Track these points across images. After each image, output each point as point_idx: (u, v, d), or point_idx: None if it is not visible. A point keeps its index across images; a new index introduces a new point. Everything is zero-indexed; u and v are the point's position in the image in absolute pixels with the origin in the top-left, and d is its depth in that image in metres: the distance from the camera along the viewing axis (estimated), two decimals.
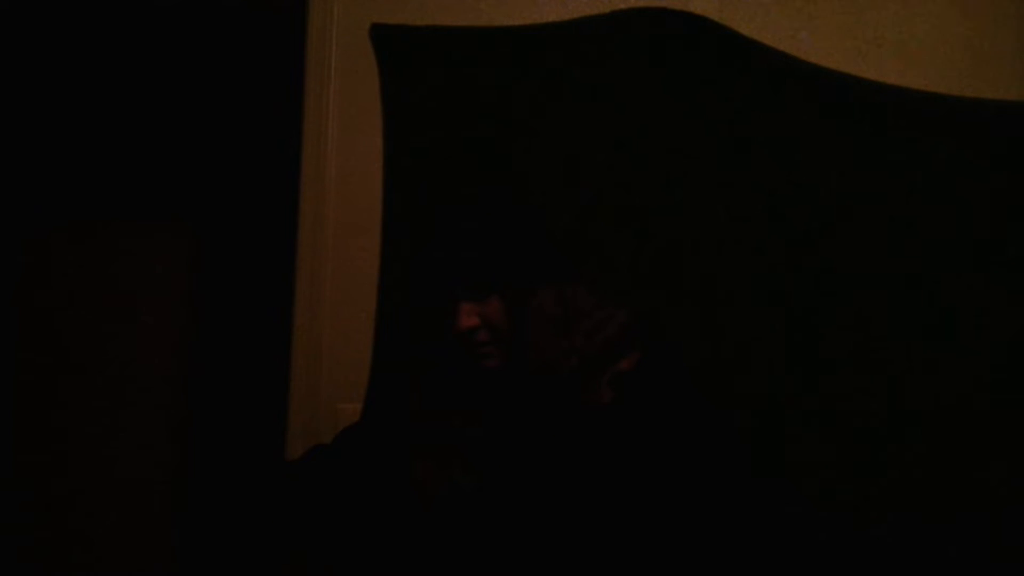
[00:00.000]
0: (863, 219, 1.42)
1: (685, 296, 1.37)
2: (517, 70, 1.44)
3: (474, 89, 1.42)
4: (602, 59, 1.44)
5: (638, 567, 0.97)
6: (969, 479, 1.36)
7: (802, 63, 1.47)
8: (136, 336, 2.72)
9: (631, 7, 1.51)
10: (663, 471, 1.01)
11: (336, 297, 1.59)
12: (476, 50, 1.44)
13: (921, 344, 1.40)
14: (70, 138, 2.69)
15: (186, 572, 2.67)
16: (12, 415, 2.67)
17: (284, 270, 1.66)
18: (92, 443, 2.68)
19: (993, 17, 1.66)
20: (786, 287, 1.40)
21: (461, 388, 1.13)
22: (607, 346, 1.10)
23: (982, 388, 1.38)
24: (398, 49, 1.44)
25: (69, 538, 2.66)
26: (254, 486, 2.30)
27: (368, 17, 1.49)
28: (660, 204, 1.39)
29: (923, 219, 1.43)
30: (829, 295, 1.40)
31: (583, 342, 1.09)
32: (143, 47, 2.58)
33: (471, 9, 1.62)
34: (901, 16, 1.66)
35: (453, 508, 1.03)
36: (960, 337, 1.40)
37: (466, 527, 1.02)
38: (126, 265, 2.73)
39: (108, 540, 2.66)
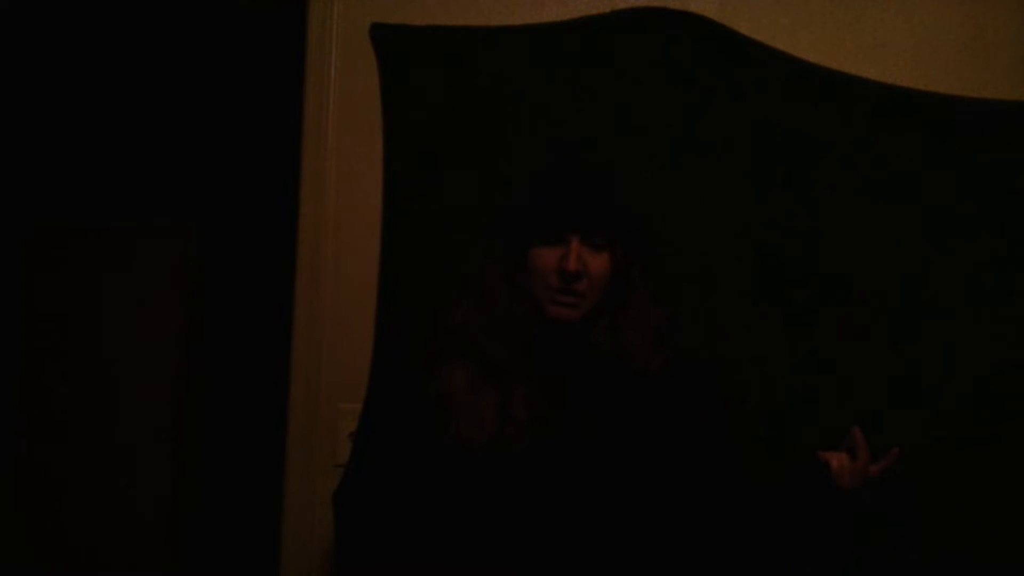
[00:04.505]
0: (863, 216, 1.42)
1: (685, 294, 1.37)
2: (517, 69, 1.44)
3: (474, 88, 1.43)
4: (602, 58, 1.44)
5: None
6: (979, 480, 1.37)
7: (802, 63, 1.47)
8: (137, 336, 2.72)
9: (631, 7, 1.51)
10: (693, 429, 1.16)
11: (336, 297, 1.59)
12: (476, 49, 1.44)
13: (922, 341, 1.40)
14: (71, 138, 2.69)
15: (187, 572, 2.67)
16: (13, 415, 2.67)
17: (284, 270, 1.66)
18: (92, 443, 2.68)
19: (993, 17, 1.66)
20: (785, 284, 1.40)
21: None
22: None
23: (984, 385, 1.39)
24: (398, 49, 1.44)
25: (69, 538, 2.66)
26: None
27: (368, 17, 1.49)
28: (658, 202, 1.39)
29: (922, 216, 1.43)
30: (828, 293, 1.40)
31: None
32: (143, 47, 2.58)
33: (471, 9, 1.62)
34: (901, 16, 1.66)
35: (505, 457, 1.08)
36: (961, 335, 1.40)
37: (518, 475, 1.08)
38: (127, 265, 2.73)
39: (108, 540, 2.66)
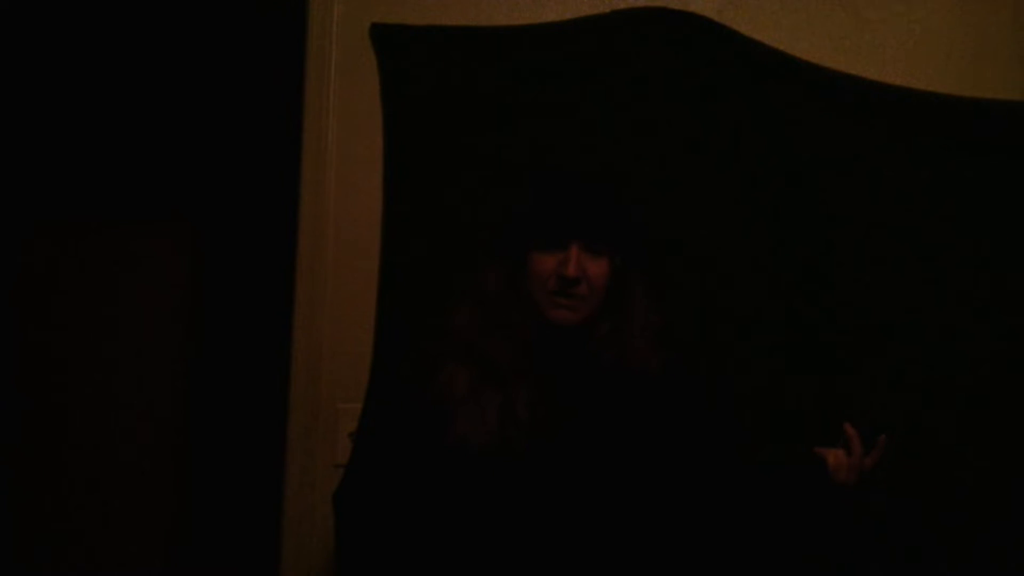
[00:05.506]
0: (862, 216, 1.43)
1: (685, 292, 1.37)
2: (517, 69, 1.44)
3: (474, 88, 1.42)
4: (602, 58, 1.44)
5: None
6: (974, 472, 1.37)
7: (802, 63, 1.47)
8: (136, 335, 2.72)
9: (631, 7, 1.51)
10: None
11: (336, 297, 1.59)
12: (476, 49, 1.44)
13: (921, 340, 1.40)
14: (70, 138, 2.69)
15: (187, 572, 2.67)
16: (13, 414, 2.67)
17: (284, 269, 1.66)
18: (92, 442, 2.68)
19: (993, 17, 1.66)
20: (785, 281, 1.40)
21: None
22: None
23: (982, 382, 1.39)
24: (398, 48, 1.44)
25: (69, 537, 2.66)
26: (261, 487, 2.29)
27: (368, 17, 1.49)
28: (656, 200, 1.39)
29: (922, 215, 1.43)
30: (828, 290, 1.40)
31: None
32: (144, 46, 2.58)
33: (471, 9, 1.63)
34: (901, 16, 1.66)
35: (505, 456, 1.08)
36: (960, 332, 1.40)
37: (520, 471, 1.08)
38: (126, 265, 2.73)
39: (108, 539, 2.67)
